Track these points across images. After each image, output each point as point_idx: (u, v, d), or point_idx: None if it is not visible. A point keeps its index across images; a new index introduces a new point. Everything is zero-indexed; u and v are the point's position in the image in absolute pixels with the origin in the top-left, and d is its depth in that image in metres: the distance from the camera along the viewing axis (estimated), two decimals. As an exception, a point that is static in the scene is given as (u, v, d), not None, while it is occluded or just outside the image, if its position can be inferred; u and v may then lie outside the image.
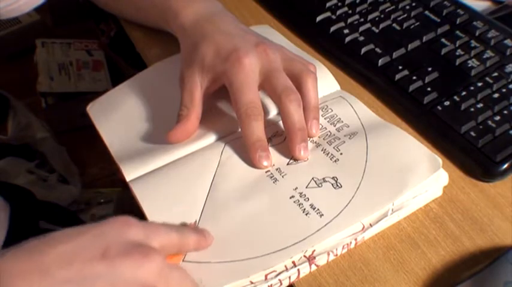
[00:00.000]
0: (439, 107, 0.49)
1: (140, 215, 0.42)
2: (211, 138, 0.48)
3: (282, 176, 0.44)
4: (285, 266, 0.38)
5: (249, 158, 0.45)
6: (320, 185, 0.43)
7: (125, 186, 0.45)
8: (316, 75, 0.47)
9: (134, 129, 0.49)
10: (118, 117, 0.51)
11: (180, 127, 0.46)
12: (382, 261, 0.41)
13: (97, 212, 1.15)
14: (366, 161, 0.44)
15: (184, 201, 0.43)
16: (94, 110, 0.52)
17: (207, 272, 0.38)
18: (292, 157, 0.45)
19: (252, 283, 0.37)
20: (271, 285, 0.38)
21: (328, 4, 0.61)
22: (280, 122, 0.46)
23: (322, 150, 0.46)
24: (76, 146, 1.27)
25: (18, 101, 1.27)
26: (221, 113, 0.49)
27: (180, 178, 0.44)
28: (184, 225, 0.40)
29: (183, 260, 0.39)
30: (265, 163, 0.44)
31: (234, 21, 0.50)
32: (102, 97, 0.53)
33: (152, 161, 0.46)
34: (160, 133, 0.47)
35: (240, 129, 0.46)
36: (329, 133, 0.47)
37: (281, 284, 0.39)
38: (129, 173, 0.45)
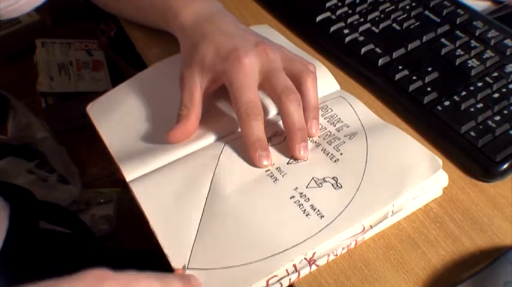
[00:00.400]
0: (439, 107, 0.49)
1: (140, 215, 0.42)
2: (210, 138, 0.48)
3: (282, 176, 0.44)
4: (286, 270, 0.38)
5: (248, 157, 0.45)
6: (320, 185, 0.43)
7: (124, 186, 0.45)
8: (316, 75, 0.47)
9: (134, 129, 0.49)
10: (118, 118, 0.51)
11: (180, 127, 0.46)
12: (382, 261, 0.41)
13: (97, 212, 1.15)
14: (366, 162, 0.44)
15: (184, 201, 0.42)
16: (94, 110, 0.52)
17: (211, 279, 0.37)
18: (292, 157, 0.45)
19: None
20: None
21: (328, 4, 0.61)
22: (280, 122, 0.46)
23: (322, 150, 0.46)
24: (76, 146, 1.27)
25: (18, 101, 1.27)
26: (221, 113, 0.49)
27: (180, 178, 0.44)
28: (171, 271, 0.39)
29: (187, 268, 0.39)
30: (265, 162, 0.44)
31: (234, 21, 0.50)
32: (102, 97, 0.53)
33: (152, 161, 0.46)
34: (160, 133, 0.47)
35: (239, 129, 0.46)
36: (329, 133, 0.47)
37: (281, 285, 0.39)
38: (129, 173, 0.45)
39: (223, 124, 0.49)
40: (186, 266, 0.39)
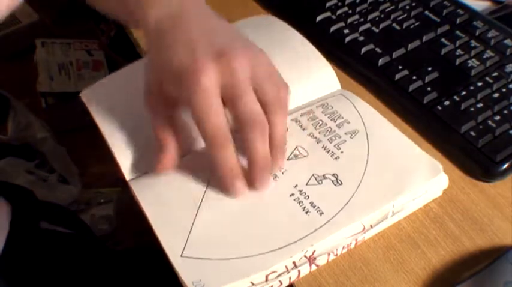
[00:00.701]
0: (439, 107, 0.49)
1: (140, 214, 0.42)
2: None
3: (282, 173, 0.44)
4: (286, 266, 0.38)
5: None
6: (320, 181, 0.43)
7: (124, 186, 0.45)
8: (286, 103, 0.42)
9: (132, 120, 0.48)
10: (115, 108, 0.49)
11: (164, 157, 0.43)
12: (382, 261, 0.41)
13: (97, 212, 1.15)
14: (367, 161, 0.44)
15: (184, 199, 0.43)
16: (88, 97, 0.50)
17: (207, 270, 0.37)
18: (291, 153, 0.45)
19: (252, 284, 0.37)
20: (271, 286, 0.38)
21: (328, 4, 0.61)
22: None
23: (322, 147, 0.46)
24: (76, 146, 1.27)
25: (18, 101, 1.27)
26: None
27: (180, 177, 0.44)
28: None
29: (181, 255, 0.38)
30: (241, 191, 0.41)
31: (203, 20, 0.42)
32: (97, 84, 0.51)
33: (153, 161, 0.46)
34: None
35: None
36: (329, 129, 0.47)
37: (281, 284, 0.39)
38: (129, 173, 0.45)
39: None
40: (181, 254, 0.38)
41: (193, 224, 0.41)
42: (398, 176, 0.43)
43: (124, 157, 0.46)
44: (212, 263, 0.38)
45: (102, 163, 1.24)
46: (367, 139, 0.46)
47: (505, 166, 0.45)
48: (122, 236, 1.12)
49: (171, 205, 0.42)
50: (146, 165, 0.45)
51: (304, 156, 0.45)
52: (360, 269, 0.40)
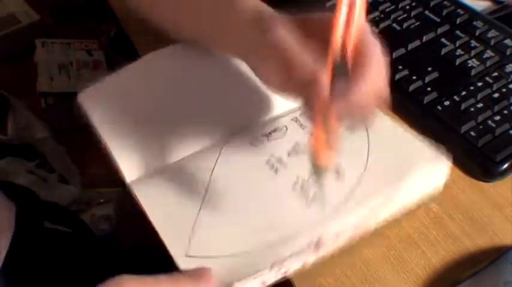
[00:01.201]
0: (439, 107, 0.49)
1: (140, 214, 0.42)
2: (212, 138, 0.48)
3: (284, 167, 0.44)
4: (290, 256, 0.38)
5: (248, 151, 0.44)
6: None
7: (124, 186, 0.45)
8: None
9: (130, 123, 0.48)
10: (113, 111, 0.49)
11: None
12: (382, 261, 0.41)
13: (97, 212, 1.15)
14: (368, 154, 0.44)
15: (186, 198, 0.42)
16: (86, 99, 0.50)
17: (214, 267, 0.37)
18: (292, 148, 0.45)
19: (260, 276, 0.37)
20: (276, 275, 0.38)
21: (328, 4, 0.61)
22: (282, 118, 0.46)
23: None
24: (76, 146, 1.26)
25: (17, 101, 1.27)
26: (222, 114, 0.49)
27: (181, 176, 0.44)
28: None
29: (186, 255, 0.38)
30: None
31: None
32: (95, 87, 0.51)
33: (152, 162, 0.46)
34: (159, 131, 0.47)
35: (240, 128, 0.46)
36: None
37: (286, 273, 0.38)
38: (129, 175, 0.45)
39: (224, 127, 0.48)
40: (185, 254, 0.38)
41: (196, 222, 0.40)
42: (399, 165, 0.43)
43: (123, 159, 0.46)
44: (218, 261, 0.38)
45: (102, 163, 1.23)
46: (367, 132, 0.46)
47: (505, 166, 0.45)
48: (121, 236, 1.12)
49: (172, 205, 0.42)
50: (145, 166, 0.45)
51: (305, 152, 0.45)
52: (360, 269, 0.40)
